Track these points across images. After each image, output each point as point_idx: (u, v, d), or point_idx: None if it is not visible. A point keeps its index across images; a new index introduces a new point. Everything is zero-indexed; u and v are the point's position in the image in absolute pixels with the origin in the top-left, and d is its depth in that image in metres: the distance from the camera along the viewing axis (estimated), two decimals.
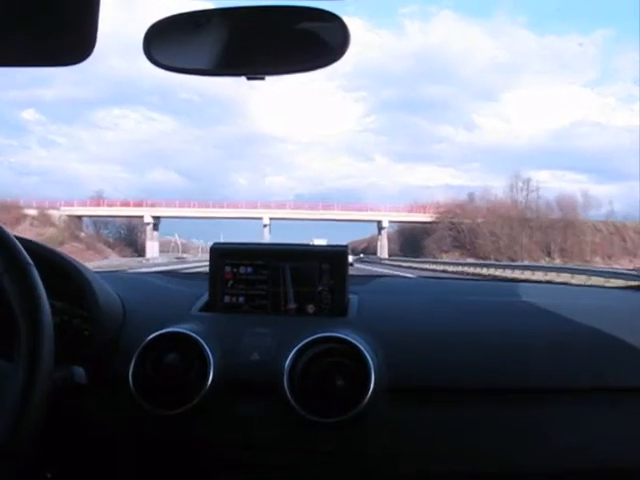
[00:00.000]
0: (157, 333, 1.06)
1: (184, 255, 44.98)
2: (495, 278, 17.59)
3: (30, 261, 0.83)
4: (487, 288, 1.61)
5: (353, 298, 1.21)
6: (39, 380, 0.78)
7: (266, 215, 45.95)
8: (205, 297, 1.22)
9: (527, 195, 50.76)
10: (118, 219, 50.74)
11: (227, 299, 1.20)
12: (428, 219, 49.52)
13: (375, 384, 0.99)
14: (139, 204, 47.83)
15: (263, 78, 0.87)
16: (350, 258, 1.34)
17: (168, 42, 0.87)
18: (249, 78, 0.87)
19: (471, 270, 26.34)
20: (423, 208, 50.78)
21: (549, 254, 44.88)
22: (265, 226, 44.11)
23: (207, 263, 1.21)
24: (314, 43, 0.87)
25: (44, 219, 44.47)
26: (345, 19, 0.82)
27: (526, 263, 33.22)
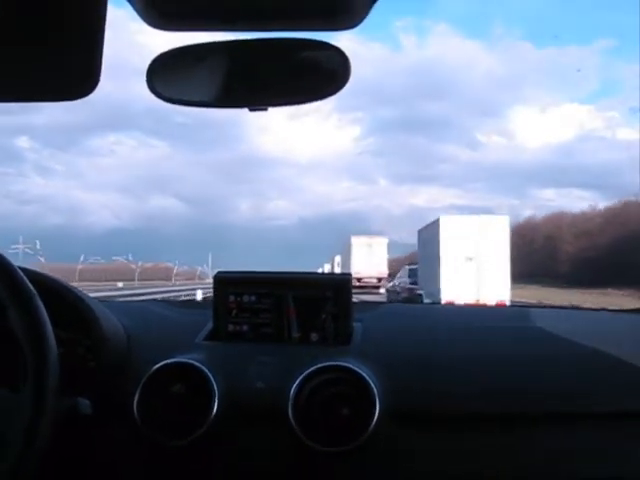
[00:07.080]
0: (162, 363, 1.05)
1: None
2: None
3: (34, 291, 0.83)
4: (491, 314, 1.60)
5: (357, 326, 1.20)
6: (45, 411, 0.77)
7: None
8: (209, 326, 1.22)
9: None
10: None
11: (231, 328, 1.20)
12: None
13: (379, 413, 0.98)
14: None
15: (266, 109, 0.89)
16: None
17: (171, 75, 0.89)
18: (251, 109, 0.88)
19: None
20: None
21: None
22: None
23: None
24: (315, 74, 0.89)
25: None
26: (340, 43, 0.84)
27: None
